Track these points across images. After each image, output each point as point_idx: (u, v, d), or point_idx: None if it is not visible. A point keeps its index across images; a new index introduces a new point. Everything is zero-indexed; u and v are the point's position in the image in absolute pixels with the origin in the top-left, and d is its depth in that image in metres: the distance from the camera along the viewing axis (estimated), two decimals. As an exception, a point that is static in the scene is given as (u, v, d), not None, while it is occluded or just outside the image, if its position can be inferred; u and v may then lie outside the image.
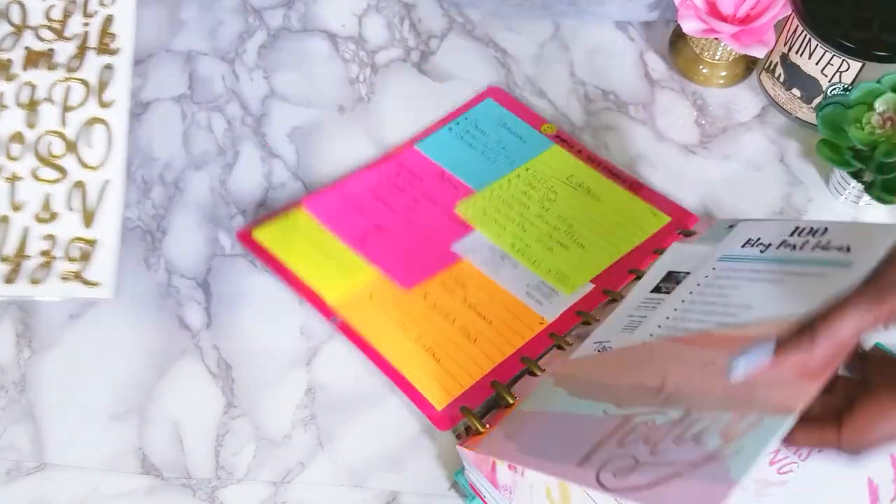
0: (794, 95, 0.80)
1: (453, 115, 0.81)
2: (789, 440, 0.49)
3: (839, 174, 0.76)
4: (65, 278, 0.44)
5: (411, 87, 0.83)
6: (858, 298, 0.45)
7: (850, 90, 0.74)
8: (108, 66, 0.49)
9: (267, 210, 0.76)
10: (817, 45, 0.75)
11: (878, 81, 0.73)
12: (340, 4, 0.88)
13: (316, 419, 0.68)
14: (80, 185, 0.46)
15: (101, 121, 0.48)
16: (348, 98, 0.83)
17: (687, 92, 0.84)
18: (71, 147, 0.47)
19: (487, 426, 0.62)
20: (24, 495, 0.65)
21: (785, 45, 0.79)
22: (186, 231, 0.75)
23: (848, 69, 0.75)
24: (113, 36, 0.50)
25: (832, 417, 0.48)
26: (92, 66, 0.50)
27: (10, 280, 0.44)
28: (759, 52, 0.78)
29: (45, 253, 0.43)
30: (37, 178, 0.45)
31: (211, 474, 0.66)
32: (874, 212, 0.77)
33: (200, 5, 0.86)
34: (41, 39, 0.50)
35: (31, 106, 0.48)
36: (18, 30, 0.49)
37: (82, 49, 0.50)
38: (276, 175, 0.78)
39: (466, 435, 0.63)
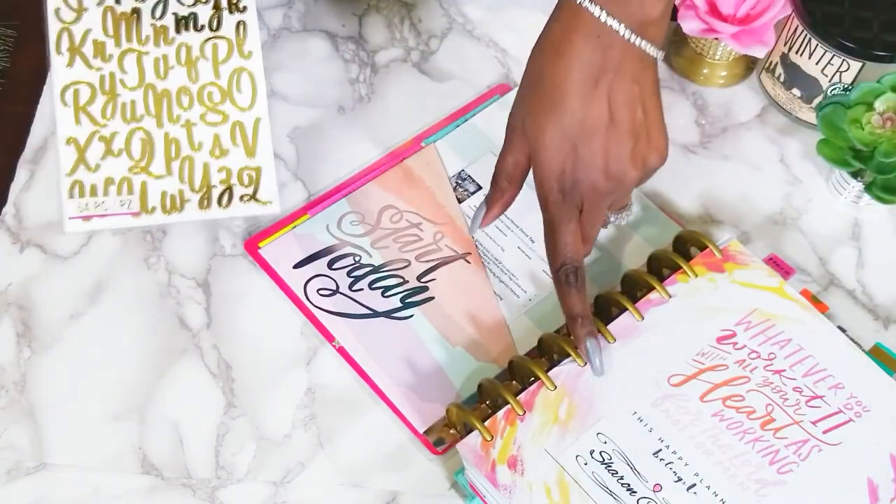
0: (794, 95, 0.80)
1: (460, 113, 0.81)
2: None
3: (839, 174, 0.76)
4: (243, 200, 0.57)
5: (411, 87, 0.83)
6: (508, 144, 0.66)
7: (850, 90, 0.75)
8: (241, 23, 0.59)
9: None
10: (817, 45, 0.75)
11: (878, 81, 0.73)
12: (340, 4, 0.87)
13: (316, 419, 0.68)
14: (238, 124, 0.57)
15: (245, 69, 0.59)
16: (348, 98, 0.83)
17: (687, 92, 0.84)
18: (226, 94, 0.58)
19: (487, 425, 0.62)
20: (24, 495, 0.65)
21: (785, 45, 0.79)
22: (186, 231, 0.75)
23: (848, 69, 0.75)
24: None
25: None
26: (229, 24, 0.59)
27: (203, 207, 0.57)
28: (759, 52, 0.78)
29: (223, 181, 0.55)
30: (205, 122, 0.56)
31: (211, 474, 0.66)
32: (874, 212, 0.77)
33: (200, 5, 0.86)
34: (183, 5, 0.59)
35: (190, 63, 0.58)
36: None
37: (217, 10, 0.59)
38: (276, 175, 0.78)
39: (466, 434, 0.63)
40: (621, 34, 0.60)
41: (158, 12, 0.58)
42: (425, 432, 0.67)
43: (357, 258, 0.74)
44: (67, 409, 0.68)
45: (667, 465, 0.61)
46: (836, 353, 0.65)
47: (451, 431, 0.66)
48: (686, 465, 0.61)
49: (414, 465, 0.67)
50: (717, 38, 0.79)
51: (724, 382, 0.64)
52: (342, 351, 0.70)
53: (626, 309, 0.66)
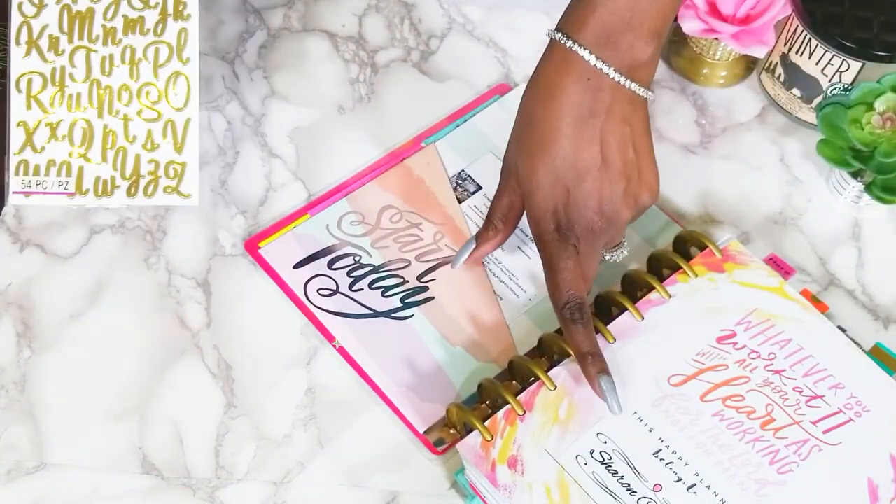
0: (794, 95, 0.80)
1: (460, 113, 0.81)
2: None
3: (839, 174, 0.76)
4: (166, 191, 0.65)
5: (411, 87, 0.83)
6: (503, 185, 0.68)
7: (850, 90, 0.75)
8: (183, 30, 0.66)
9: (268, 211, 0.76)
10: (817, 45, 0.75)
11: (878, 81, 0.73)
12: (340, 4, 0.87)
13: (316, 419, 0.68)
14: (170, 122, 0.64)
15: (182, 73, 0.66)
16: (348, 98, 0.83)
17: (687, 92, 0.84)
18: (162, 94, 0.65)
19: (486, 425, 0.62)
20: (24, 495, 0.65)
21: (785, 45, 0.79)
22: (186, 231, 0.75)
23: (848, 69, 0.75)
24: (185, 4, 0.67)
25: None
26: (172, 30, 0.66)
27: (130, 194, 0.64)
28: (759, 52, 0.78)
29: (151, 173, 0.63)
30: (141, 117, 0.64)
31: (211, 474, 0.66)
32: (874, 212, 0.77)
33: (201, 5, 0.86)
34: (133, 8, 0.66)
35: (133, 63, 0.65)
36: (117, 1, 0.65)
37: (164, 16, 0.66)
38: (276, 175, 0.78)
39: (466, 434, 0.63)
40: (611, 77, 0.62)
41: (110, 13, 0.65)
42: (425, 432, 0.67)
43: (357, 258, 0.74)
44: (67, 409, 0.68)
45: (667, 465, 0.61)
46: (836, 353, 0.65)
47: (451, 431, 0.66)
48: (686, 465, 0.61)
49: (414, 465, 0.67)
50: (717, 38, 0.79)
51: (724, 382, 0.64)
52: (342, 351, 0.70)
53: (626, 309, 0.66)
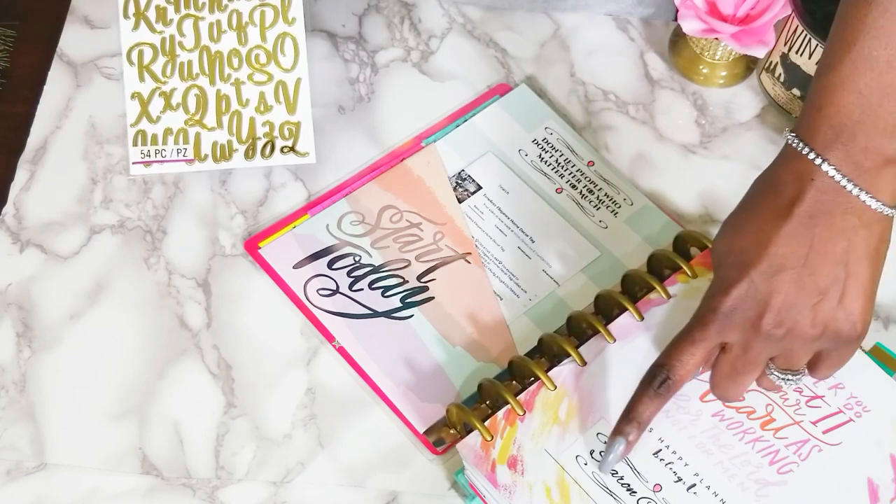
0: (794, 95, 0.80)
1: (460, 113, 0.81)
2: None
3: (839, 174, 0.76)
4: (283, 151, 0.66)
5: (411, 87, 0.83)
6: (692, 339, 0.58)
7: (850, 90, 0.74)
8: None
9: (268, 211, 0.76)
10: (817, 45, 0.75)
11: (878, 81, 0.73)
12: (340, 4, 0.87)
13: (316, 419, 0.68)
14: (281, 83, 0.65)
15: (289, 34, 0.66)
16: (348, 98, 0.83)
17: (687, 92, 0.84)
18: (271, 56, 0.66)
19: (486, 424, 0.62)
20: (24, 495, 0.65)
21: (785, 45, 0.79)
22: (186, 231, 0.75)
23: (848, 69, 0.75)
24: None
25: None
26: None
27: (248, 156, 0.64)
28: (759, 52, 0.78)
29: (266, 135, 0.63)
30: (252, 81, 0.65)
31: (211, 474, 0.66)
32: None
33: (200, 5, 0.86)
34: None
35: (240, 28, 0.66)
36: None
37: None
38: (276, 175, 0.78)
39: (466, 434, 0.63)
40: (835, 179, 0.54)
41: None
42: (425, 432, 0.67)
43: (357, 258, 0.74)
44: (67, 409, 0.68)
45: (667, 465, 0.61)
46: (836, 353, 0.65)
47: (451, 431, 0.66)
48: (686, 465, 0.61)
49: (414, 465, 0.67)
50: (717, 38, 0.79)
51: (724, 382, 0.63)
52: (342, 351, 0.70)
53: (626, 309, 0.66)
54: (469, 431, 0.63)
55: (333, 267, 0.73)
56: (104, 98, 0.81)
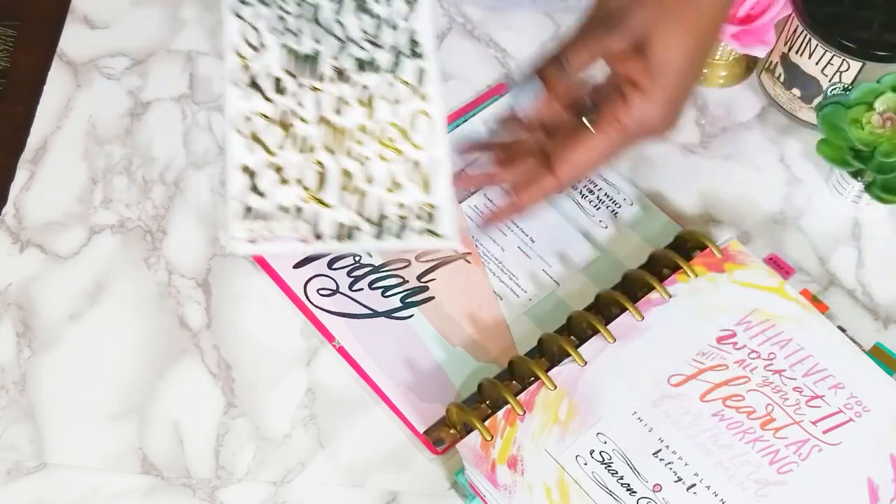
0: (794, 95, 0.80)
1: (460, 113, 0.81)
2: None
3: (839, 174, 0.76)
4: (420, 233, 0.58)
5: (411, 87, 0.83)
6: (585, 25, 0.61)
7: (850, 90, 0.75)
8: (421, 69, 0.61)
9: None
10: (817, 45, 0.75)
11: (878, 81, 0.73)
12: (340, 4, 0.87)
13: (316, 419, 0.68)
14: (414, 162, 0.59)
15: (423, 111, 0.60)
16: (348, 98, 0.82)
17: (687, 92, 0.84)
18: (403, 133, 0.60)
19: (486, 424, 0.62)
20: (24, 495, 0.65)
21: (785, 45, 0.79)
22: (186, 231, 0.75)
23: (848, 69, 0.75)
24: (418, 44, 0.62)
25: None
26: (407, 68, 0.61)
27: (378, 237, 0.58)
28: (760, 52, 0.78)
29: (400, 216, 0.57)
30: (382, 158, 0.59)
31: (211, 474, 0.66)
32: (874, 212, 0.77)
33: (201, 5, 0.86)
34: (363, 49, 0.61)
35: (368, 103, 0.60)
36: (344, 43, 0.60)
37: (396, 55, 0.61)
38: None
39: (466, 434, 0.63)
40: None
41: (339, 54, 0.60)
42: (425, 432, 0.67)
43: (357, 258, 0.74)
44: (67, 409, 0.68)
45: (667, 465, 0.61)
46: (836, 353, 0.65)
47: (451, 431, 0.66)
48: (686, 465, 0.61)
49: (414, 465, 0.67)
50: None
51: (724, 382, 0.64)
52: (342, 351, 0.70)
53: (626, 309, 0.66)
54: (469, 431, 0.63)
55: (333, 267, 0.73)
56: (104, 98, 0.81)
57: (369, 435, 0.68)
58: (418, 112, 0.58)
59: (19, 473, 0.66)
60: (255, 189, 0.57)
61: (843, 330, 0.67)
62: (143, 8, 0.86)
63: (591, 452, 0.61)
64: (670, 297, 0.67)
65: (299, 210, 0.56)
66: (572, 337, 0.68)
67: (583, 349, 0.65)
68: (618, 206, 0.77)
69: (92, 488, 0.66)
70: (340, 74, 0.59)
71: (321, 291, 0.72)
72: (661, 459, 0.61)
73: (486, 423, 0.62)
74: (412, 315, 0.71)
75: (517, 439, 0.62)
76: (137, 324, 0.72)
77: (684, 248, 0.71)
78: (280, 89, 0.58)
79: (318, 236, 0.56)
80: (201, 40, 0.85)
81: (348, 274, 0.73)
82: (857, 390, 0.63)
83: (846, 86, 0.76)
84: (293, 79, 0.59)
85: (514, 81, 0.60)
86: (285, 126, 0.58)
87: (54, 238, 0.75)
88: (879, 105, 0.72)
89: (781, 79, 0.80)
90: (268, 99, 0.58)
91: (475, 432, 0.62)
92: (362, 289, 0.72)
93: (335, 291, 0.72)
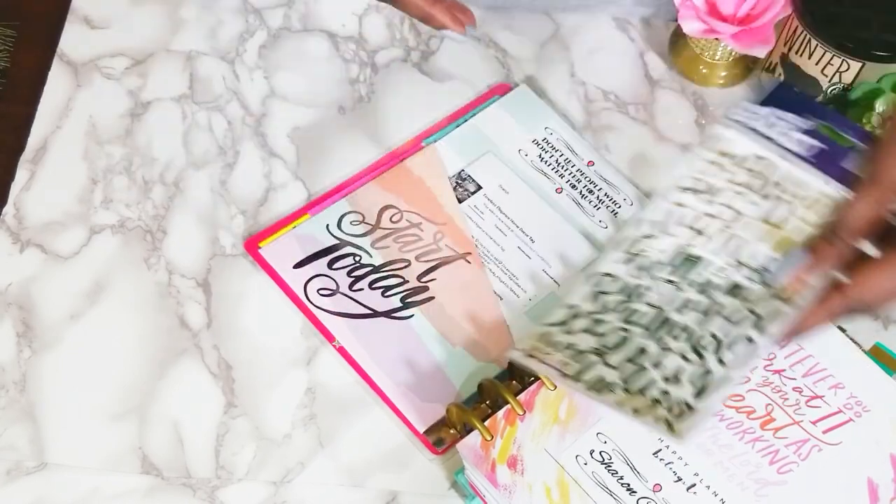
0: (794, 95, 0.80)
1: (460, 113, 0.81)
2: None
3: (839, 174, 0.76)
4: (657, 420, 0.58)
5: (411, 87, 0.83)
6: (863, 193, 0.56)
7: (850, 90, 0.75)
8: (779, 312, 0.59)
9: (268, 211, 0.76)
10: (817, 45, 0.75)
11: (878, 81, 0.73)
12: (340, 4, 0.87)
13: (316, 419, 0.68)
14: (706, 371, 0.58)
15: (749, 338, 0.59)
16: (348, 98, 0.83)
17: (687, 92, 0.84)
18: (717, 347, 0.59)
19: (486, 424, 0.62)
20: (24, 495, 0.65)
21: (785, 45, 0.79)
22: (186, 231, 0.75)
23: (848, 69, 0.75)
24: (789, 300, 0.60)
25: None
26: (767, 307, 0.60)
27: (620, 403, 0.58)
28: (760, 52, 0.78)
29: (654, 399, 0.57)
30: (683, 357, 0.59)
31: (211, 474, 0.66)
32: (874, 212, 0.77)
33: (200, 5, 0.86)
34: (745, 277, 0.61)
35: (706, 314, 0.60)
36: (733, 270, 0.61)
37: (770, 297, 0.60)
38: (276, 175, 0.78)
39: (466, 434, 0.63)
40: None
41: (718, 271, 0.61)
42: (425, 432, 0.67)
43: (357, 258, 0.74)
44: (67, 409, 0.68)
45: (666, 464, 0.61)
46: (835, 353, 0.65)
47: (451, 431, 0.66)
48: (686, 464, 0.61)
49: (414, 465, 0.67)
50: (717, 38, 0.79)
51: (724, 382, 0.64)
52: (342, 351, 0.70)
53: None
54: (469, 431, 0.63)
55: (333, 267, 0.73)
56: (104, 98, 0.81)
57: (369, 435, 0.68)
58: (744, 336, 0.58)
59: (19, 473, 0.66)
60: (563, 323, 0.60)
61: (842, 330, 0.67)
62: (143, 8, 0.86)
63: (591, 452, 0.61)
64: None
65: (581, 352, 0.59)
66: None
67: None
68: (618, 206, 0.77)
69: (92, 488, 0.66)
70: (704, 288, 0.60)
71: (321, 291, 0.72)
72: (660, 459, 0.61)
73: (486, 423, 0.62)
74: (412, 315, 0.71)
75: (517, 439, 0.62)
76: (137, 324, 0.72)
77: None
78: (651, 275, 0.61)
79: (577, 379, 0.59)
80: (201, 40, 0.85)
81: (348, 274, 0.73)
82: (857, 390, 0.64)
83: (846, 86, 0.76)
84: (667, 268, 0.61)
85: (778, 261, 0.60)
86: (626, 297, 0.61)
87: (54, 238, 0.75)
88: (879, 105, 0.72)
89: (781, 79, 0.80)
90: (630, 274, 0.61)
91: (475, 432, 0.62)
92: (362, 289, 0.72)
93: (335, 291, 0.72)
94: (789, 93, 0.63)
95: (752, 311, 0.59)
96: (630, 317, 0.60)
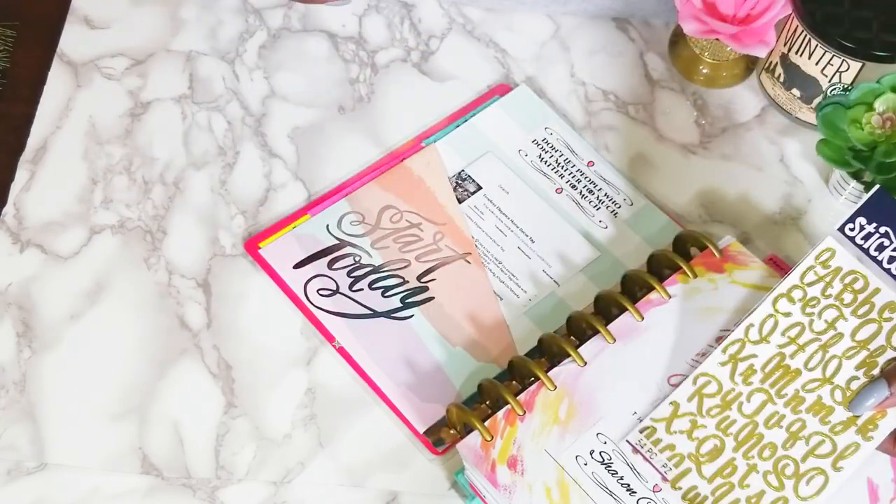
0: (794, 95, 0.80)
1: (460, 113, 0.81)
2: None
3: (839, 174, 0.76)
4: None
5: (411, 87, 0.83)
6: None
7: (849, 90, 0.75)
8: (855, 445, 0.61)
9: (268, 211, 0.76)
10: (817, 45, 0.75)
11: (878, 81, 0.73)
12: (340, 4, 0.87)
13: (316, 419, 0.68)
14: (783, 499, 0.60)
15: (823, 474, 0.60)
16: (348, 98, 0.83)
17: (687, 92, 0.84)
18: (792, 478, 0.60)
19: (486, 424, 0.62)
20: (24, 495, 0.65)
21: (785, 45, 0.79)
22: (186, 231, 0.75)
23: (848, 69, 0.75)
24: (876, 426, 0.61)
25: None
26: (845, 437, 0.61)
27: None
28: (760, 53, 0.78)
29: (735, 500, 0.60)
30: (763, 478, 0.60)
31: (211, 474, 0.66)
32: (874, 212, 0.77)
33: (200, 5, 0.86)
34: (832, 398, 0.62)
35: (794, 435, 0.61)
36: (824, 381, 0.62)
37: (847, 425, 0.61)
38: (276, 175, 0.78)
39: (466, 434, 0.63)
40: None
41: (809, 386, 0.62)
42: (425, 432, 0.67)
43: (357, 258, 0.74)
44: (67, 409, 0.68)
45: (667, 465, 0.61)
46: (836, 353, 0.65)
47: (451, 431, 0.66)
48: (686, 465, 0.61)
49: (414, 465, 0.67)
50: (717, 39, 0.79)
51: (725, 383, 0.64)
52: (342, 351, 0.70)
53: (626, 309, 0.66)
54: (469, 431, 0.63)
55: (333, 267, 0.73)
56: (104, 98, 0.81)
57: (369, 435, 0.68)
58: (817, 471, 0.60)
59: (19, 473, 0.66)
60: (668, 423, 0.61)
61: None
62: (143, 8, 0.86)
63: (591, 452, 0.61)
64: (670, 297, 0.67)
65: (681, 458, 0.60)
66: (572, 337, 0.68)
67: (583, 349, 0.65)
68: (618, 206, 0.77)
69: (92, 488, 0.66)
70: (795, 401, 0.61)
71: (321, 292, 0.72)
72: (661, 459, 0.61)
73: (486, 423, 0.62)
74: (412, 315, 0.71)
75: (517, 439, 0.62)
76: (137, 324, 0.72)
77: (684, 248, 0.71)
78: (746, 377, 0.62)
79: (676, 486, 0.60)
80: (201, 40, 0.85)
81: (348, 274, 0.73)
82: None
83: (846, 86, 0.76)
84: (762, 377, 0.62)
85: (861, 382, 0.61)
86: (724, 403, 0.62)
87: (54, 238, 0.75)
88: (879, 105, 0.72)
89: (781, 79, 0.80)
90: (731, 378, 0.62)
91: (475, 432, 0.62)
92: (362, 289, 0.72)
93: (335, 291, 0.72)
94: (887, 199, 0.63)
95: (830, 439, 0.60)
96: (722, 423, 0.61)
